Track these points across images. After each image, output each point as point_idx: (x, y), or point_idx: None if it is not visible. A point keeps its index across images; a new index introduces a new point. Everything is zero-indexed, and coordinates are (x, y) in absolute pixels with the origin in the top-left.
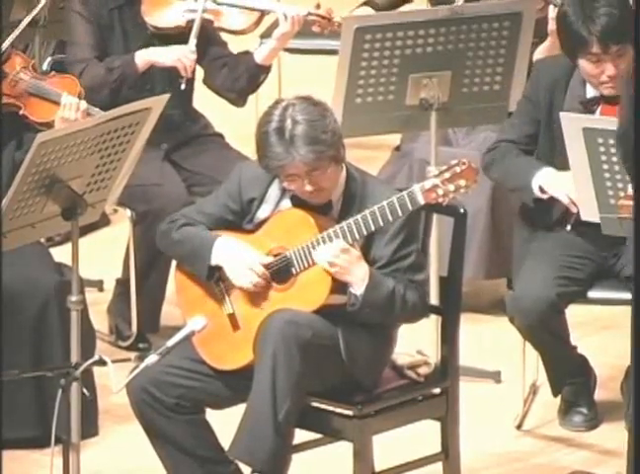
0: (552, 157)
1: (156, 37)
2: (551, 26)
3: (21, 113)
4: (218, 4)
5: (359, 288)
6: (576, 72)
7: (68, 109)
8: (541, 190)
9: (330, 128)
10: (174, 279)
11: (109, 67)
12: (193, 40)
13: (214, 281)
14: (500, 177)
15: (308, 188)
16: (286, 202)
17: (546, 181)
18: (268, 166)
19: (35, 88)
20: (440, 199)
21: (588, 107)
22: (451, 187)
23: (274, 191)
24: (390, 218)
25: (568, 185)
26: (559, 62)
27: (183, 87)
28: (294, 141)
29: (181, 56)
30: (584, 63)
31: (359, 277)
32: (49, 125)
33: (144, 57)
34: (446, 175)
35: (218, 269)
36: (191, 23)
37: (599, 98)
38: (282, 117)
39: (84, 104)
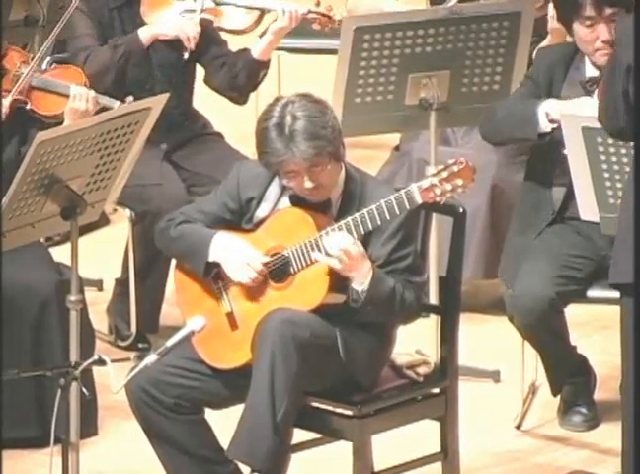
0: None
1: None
2: (551, 24)
3: (27, 107)
4: (218, 3)
5: (362, 284)
6: (576, 56)
7: (78, 99)
8: (548, 119)
9: (330, 125)
10: (173, 279)
11: (113, 45)
12: (197, 16)
13: (213, 280)
14: (502, 120)
15: (308, 184)
16: (285, 202)
17: (553, 106)
18: (268, 162)
19: (39, 81)
20: (438, 199)
21: (586, 87)
22: (449, 186)
23: (272, 190)
24: (388, 217)
25: (577, 108)
26: (559, 48)
27: (185, 56)
28: (294, 137)
29: (184, 26)
30: (578, 28)
31: (362, 273)
32: (58, 118)
33: (148, 31)
34: (444, 174)
35: (216, 265)
36: None
37: (597, 78)
38: (282, 113)
39: (92, 92)
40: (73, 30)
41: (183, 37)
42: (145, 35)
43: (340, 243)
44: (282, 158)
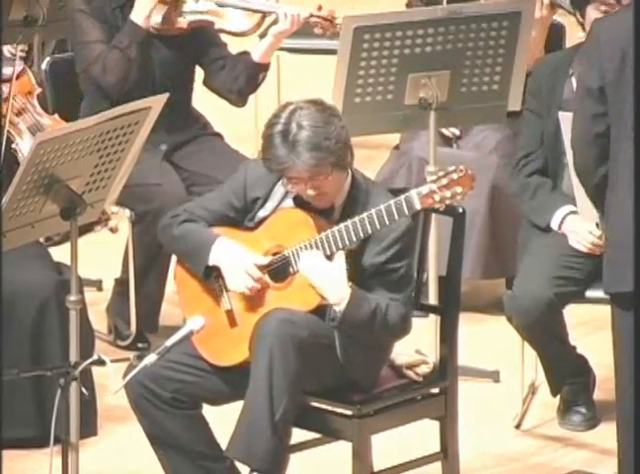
0: (557, 140)
1: (157, 37)
2: (538, 13)
3: (13, 146)
4: (220, 5)
5: (338, 306)
6: (575, 57)
7: None
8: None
9: (334, 135)
10: (174, 275)
11: (120, 48)
12: None
13: (214, 278)
14: (521, 199)
15: (310, 192)
16: (289, 202)
17: (562, 225)
18: (270, 168)
19: (36, 129)
20: (437, 205)
21: None
22: (448, 193)
23: (278, 190)
24: (387, 222)
25: (581, 232)
26: (558, 56)
27: None
28: (296, 146)
29: None
30: (592, 12)
31: (339, 296)
32: None
33: (139, 13)
34: (443, 181)
35: (216, 268)
36: (192, 24)
37: None
38: (288, 120)
39: None
40: (80, 35)
41: None
42: (139, 18)
43: (307, 268)
44: (284, 165)
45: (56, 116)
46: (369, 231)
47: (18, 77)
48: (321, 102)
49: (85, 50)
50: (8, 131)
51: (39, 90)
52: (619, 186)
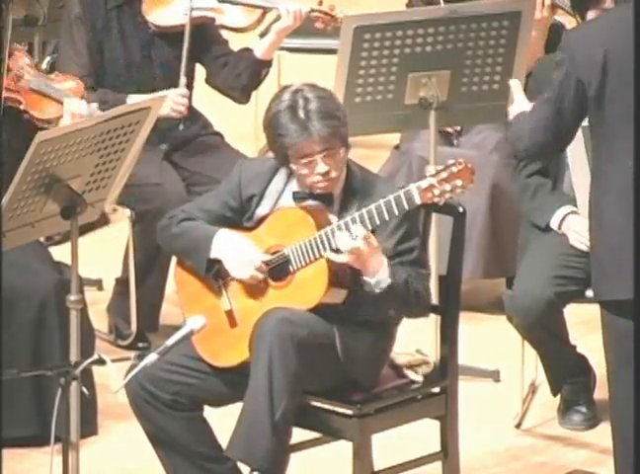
0: None
1: (157, 35)
2: (538, 14)
3: (21, 108)
4: (221, 1)
5: (381, 274)
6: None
7: (71, 118)
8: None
9: (341, 107)
10: (174, 276)
11: (100, 100)
12: (182, 80)
13: (213, 277)
14: (519, 195)
15: (322, 168)
16: (286, 198)
17: (562, 225)
18: (283, 145)
19: (37, 84)
20: (437, 199)
21: None
22: (448, 187)
23: (274, 187)
24: (387, 217)
25: (582, 230)
26: (557, 56)
27: (181, 128)
28: (310, 117)
29: (174, 103)
30: (593, 17)
31: (379, 264)
32: (49, 122)
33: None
34: (443, 175)
35: (217, 262)
36: (193, 20)
37: None
38: (293, 97)
39: (84, 108)
40: (69, 50)
41: (175, 115)
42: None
43: (359, 232)
44: (298, 140)
45: (56, 72)
46: (369, 227)
47: (9, 56)
48: (316, 84)
49: (63, 66)
50: (13, 98)
51: (36, 61)
52: (608, 193)
